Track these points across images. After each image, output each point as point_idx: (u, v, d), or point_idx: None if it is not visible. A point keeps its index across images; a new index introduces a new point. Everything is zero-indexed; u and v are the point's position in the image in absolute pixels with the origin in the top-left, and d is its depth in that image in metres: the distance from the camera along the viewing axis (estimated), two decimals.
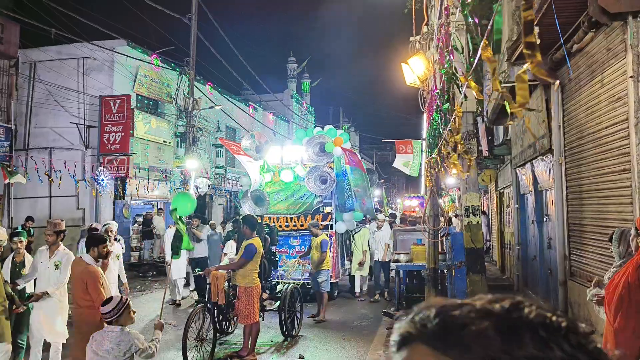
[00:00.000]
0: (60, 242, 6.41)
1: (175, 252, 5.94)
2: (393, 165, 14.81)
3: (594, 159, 5.97)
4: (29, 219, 14.25)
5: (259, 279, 7.35)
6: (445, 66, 4.32)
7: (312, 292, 10.21)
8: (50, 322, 6.22)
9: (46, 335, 6.22)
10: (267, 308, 8.28)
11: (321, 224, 10.96)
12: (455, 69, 4.65)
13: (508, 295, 0.65)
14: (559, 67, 6.74)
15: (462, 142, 5.73)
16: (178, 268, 10.82)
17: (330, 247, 10.33)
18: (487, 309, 0.61)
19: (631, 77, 4.71)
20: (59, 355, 6.33)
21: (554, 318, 0.61)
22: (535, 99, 8.11)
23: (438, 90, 6.01)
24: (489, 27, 2.61)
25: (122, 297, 4.27)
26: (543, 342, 0.58)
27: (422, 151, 13.76)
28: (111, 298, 4.23)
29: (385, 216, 14.24)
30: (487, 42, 2.44)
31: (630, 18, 4.66)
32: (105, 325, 4.12)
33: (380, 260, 11.75)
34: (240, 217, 8.88)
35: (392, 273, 11.96)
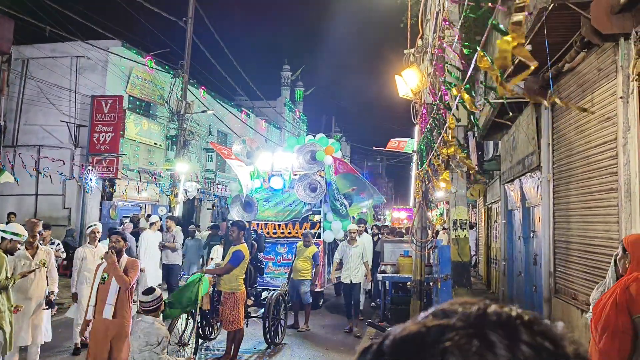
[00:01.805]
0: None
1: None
2: (394, 150, 14.97)
3: (582, 178, 6.02)
4: (11, 214, 14.06)
5: (244, 285, 7.31)
6: (444, 75, 4.37)
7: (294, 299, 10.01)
8: (37, 324, 6.13)
9: (32, 337, 6.08)
10: (252, 315, 8.23)
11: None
12: (452, 78, 4.69)
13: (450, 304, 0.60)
14: (550, 85, 6.81)
15: (460, 151, 5.74)
16: (153, 275, 10.72)
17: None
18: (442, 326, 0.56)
19: (621, 97, 4.77)
20: (38, 357, 6.24)
21: (513, 313, 0.58)
22: (525, 116, 8.18)
23: (436, 102, 6.04)
24: (483, 39, 2.64)
25: (160, 292, 4.57)
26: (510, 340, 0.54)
27: (412, 162, 13.96)
28: (153, 289, 4.50)
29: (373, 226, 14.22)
30: (482, 53, 2.46)
31: (621, 39, 4.73)
32: (141, 314, 4.39)
33: (352, 282, 9.43)
34: (230, 221, 8.84)
35: (363, 300, 10.93)
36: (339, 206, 11.74)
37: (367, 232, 11.93)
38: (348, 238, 9.76)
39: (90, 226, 7.78)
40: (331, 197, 11.73)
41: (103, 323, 5.23)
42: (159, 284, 11.02)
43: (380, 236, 12.95)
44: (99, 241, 7.64)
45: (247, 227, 8.58)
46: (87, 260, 7.36)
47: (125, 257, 5.52)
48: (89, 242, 7.64)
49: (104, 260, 5.55)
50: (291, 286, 9.87)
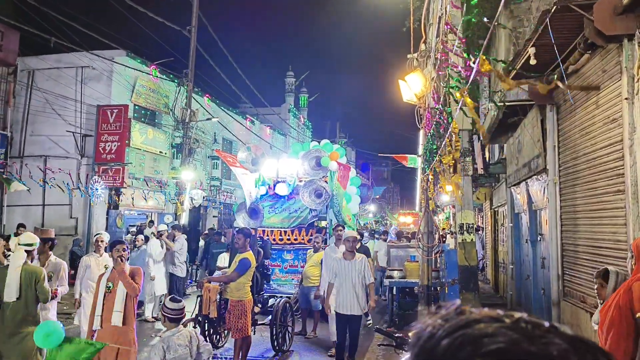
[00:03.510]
0: (50, 252, 6.36)
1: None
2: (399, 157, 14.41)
3: (589, 180, 5.99)
4: (21, 226, 14.11)
5: (251, 293, 7.31)
6: (446, 79, 4.38)
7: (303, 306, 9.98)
8: None
9: None
10: (259, 322, 8.21)
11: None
12: (455, 82, 4.69)
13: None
14: (554, 87, 6.79)
15: (459, 158, 5.75)
16: (161, 284, 10.75)
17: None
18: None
19: (626, 98, 4.74)
20: None
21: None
22: (530, 119, 8.16)
23: (438, 106, 6.04)
24: (485, 43, 2.64)
25: (184, 304, 4.68)
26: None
27: (417, 167, 13.78)
28: (179, 299, 4.61)
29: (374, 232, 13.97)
30: (484, 57, 2.46)
31: (625, 41, 4.71)
32: (169, 325, 4.47)
33: (352, 314, 6.87)
34: (236, 229, 8.82)
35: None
36: (336, 212, 11.73)
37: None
38: (344, 250, 7.12)
39: (96, 235, 7.83)
40: (334, 203, 11.71)
41: (111, 331, 5.28)
42: (164, 294, 11.04)
43: (362, 242, 11.31)
44: (105, 250, 7.65)
45: (253, 234, 8.57)
46: (91, 268, 7.39)
47: (127, 266, 5.59)
48: (94, 251, 7.68)
49: (106, 269, 5.61)
50: (301, 292, 9.83)
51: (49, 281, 6.10)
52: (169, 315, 4.44)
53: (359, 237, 7.56)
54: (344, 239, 7.29)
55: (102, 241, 7.58)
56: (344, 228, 9.01)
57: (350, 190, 12.11)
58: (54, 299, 6.15)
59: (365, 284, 6.96)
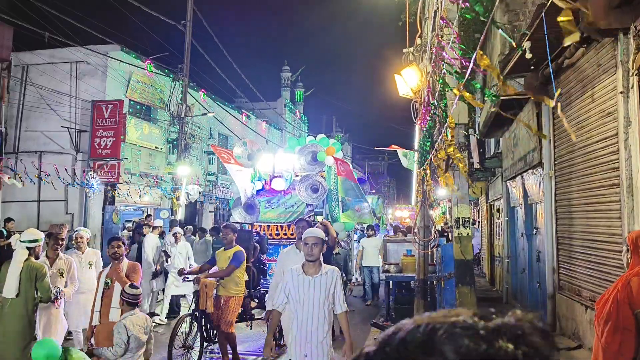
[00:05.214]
0: (59, 250, 6.32)
1: None
2: (395, 150, 14.25)
3: (584, 173, 6.01)
4: (9, 220, 13.80)
5: (247, 288, 7.33)
6: (442, 72, 4.37)
7: None
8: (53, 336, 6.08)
9: None
10: (256, 317, 8.22)
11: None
12: (448, 76, 4.68)
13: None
14: (550, 82, 6.80)
15: (456, 151, 5.73)
16: (157, 279, 10.76)
17: None
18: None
19: (621, 92, 4.76)
20: None
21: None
22: (526, 112, 8.17)
23: (434, 102, 6.03)
24: (482, 37, 2.63)
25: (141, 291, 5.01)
26: None
27: (414, 162, 13.74)
28: (138, 287, 4.86)
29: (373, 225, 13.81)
30: (481, 52, 2.46)
31: (620, 34, 4.72)
32: (127, 309, 4.75)
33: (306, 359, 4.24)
34: (224, 224, 8.74)
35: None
36: (333, 207, 11.72)
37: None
38: (304, 260, 4.34)
39: (75, 231, 7.51)
40: (329, 198, 11.71)
41: (109, 327, 5.32)
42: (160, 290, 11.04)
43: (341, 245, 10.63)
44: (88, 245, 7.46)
45: (250, 229, 8.54)
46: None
47: (125, 262, 5.59)
48: (75, 248, 7.39)
49: (103, 268, 5.65)
50: None
51: (61, 276, 6.06)
52: (127, 300, 4.74)
53: (325, 237, 4.52)
54: (302, 239, 4.43)
55: (81, 237, 7.32)
56: (308, 224, 6.35)
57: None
58: (60, 299, 6.06)
59: (335, 312, 4.32)
